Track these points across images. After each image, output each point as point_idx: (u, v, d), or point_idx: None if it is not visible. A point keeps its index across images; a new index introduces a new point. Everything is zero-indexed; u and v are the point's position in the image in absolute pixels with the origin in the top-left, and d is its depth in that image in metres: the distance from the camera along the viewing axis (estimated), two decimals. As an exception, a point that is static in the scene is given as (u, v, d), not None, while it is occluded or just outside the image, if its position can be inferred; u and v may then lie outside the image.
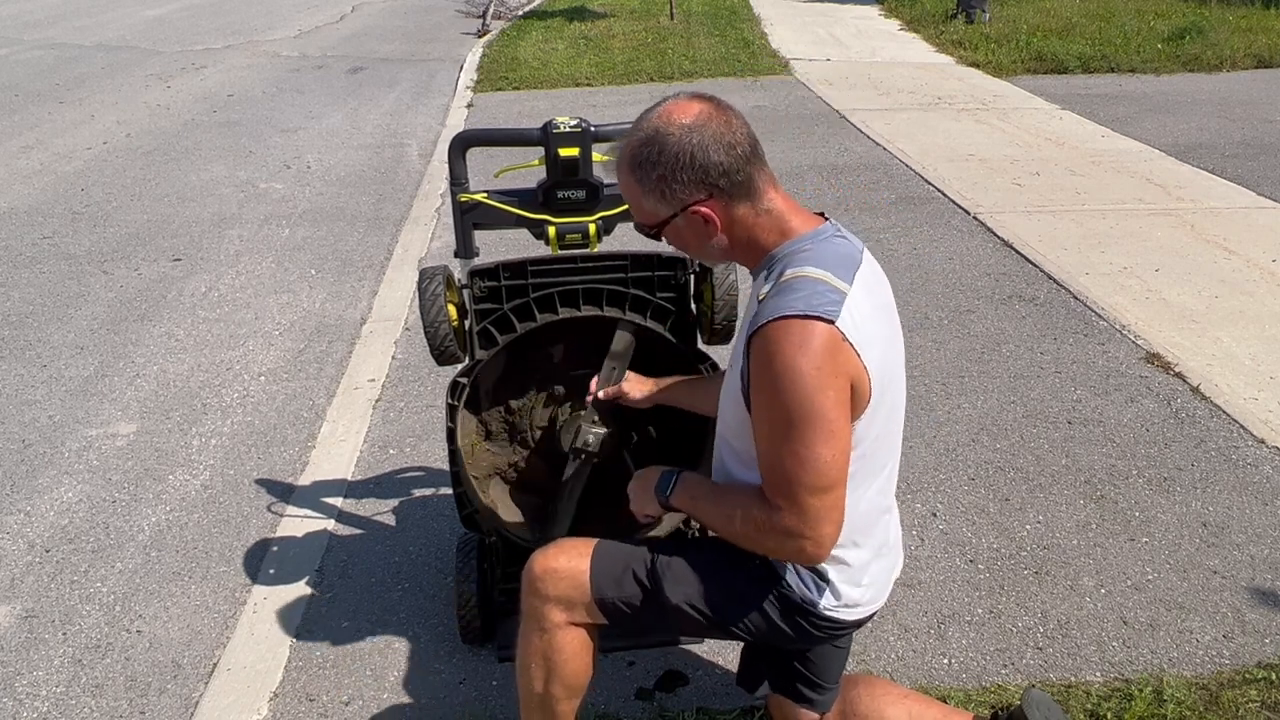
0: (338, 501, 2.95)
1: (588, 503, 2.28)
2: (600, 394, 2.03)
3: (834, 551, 1.58)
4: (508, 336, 2.13)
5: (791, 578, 1.61)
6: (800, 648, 1.72)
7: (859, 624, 1.68)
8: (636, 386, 2.03)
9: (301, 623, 2.47)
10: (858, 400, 1.47)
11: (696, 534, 2.34)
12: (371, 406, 3.47)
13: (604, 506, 2.31)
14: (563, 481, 2.07)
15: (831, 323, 1.42)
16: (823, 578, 1.60)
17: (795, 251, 1.52)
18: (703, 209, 1.51)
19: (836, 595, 1.61)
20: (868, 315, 1.48)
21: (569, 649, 1.67)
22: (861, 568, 1.61)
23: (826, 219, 1.59)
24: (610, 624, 1.68)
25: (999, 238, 4.84)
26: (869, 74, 8.70)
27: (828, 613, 1.61)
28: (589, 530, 2.26)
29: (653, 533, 2.23)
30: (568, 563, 1.66)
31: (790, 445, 1.44)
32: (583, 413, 2.07)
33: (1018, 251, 4.66)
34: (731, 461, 1.64)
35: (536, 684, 1.71)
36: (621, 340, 2.07)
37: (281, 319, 4.24)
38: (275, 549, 2.77)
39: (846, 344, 1.43)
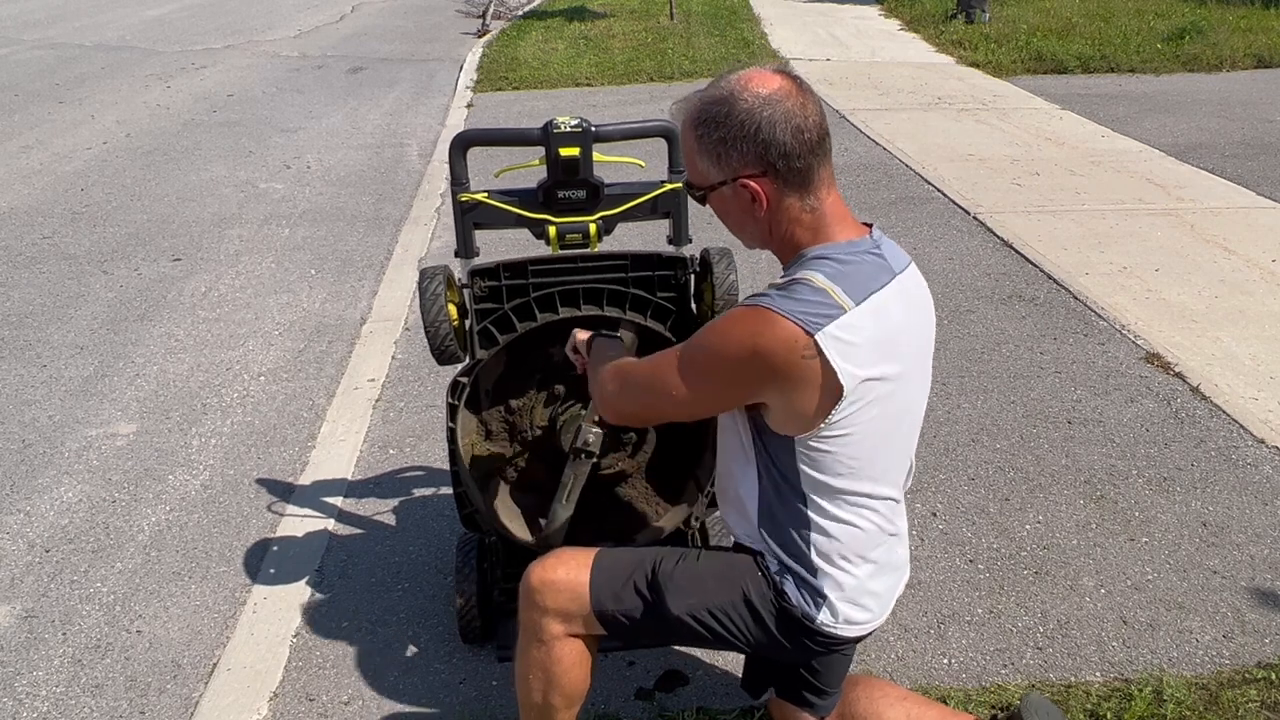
0: (338, 501, 2.95)
1: (587, 505, 2.28)
2: None
3: (830, 568, 1.58)
4: (508, 336, 2.13)
5: (790, 590, 1.60)
6: (799, 661, 1.72)
7: (860, 639, 1.68)
8: None
9: (301, 623, 2.47)
10: (798, 410, 1.46)
11: (697, 538, 2.35)
12: (371, 406, 3.47)
13: (603, 509, 2.31)
14: (562, 482, 2.07)
15: (809, 333, 1.40)
16: (819, 594, 1.59)
17: (820, 258, 1.49)
18: (753, 184, 1.48)
19: (834, 614, 1.59)
20: (868, 338, 1.45)
21: (568, 660, 1.67)
22: (860, 587, 1.60)
23: (871, 231, 1.56)
24: (609, 634, 1.67)
25: (999, 238, 4.84)
26: (869, 74, 8.70)
27: (826, 629, 1.60)
28: (588, 533, 2.26)
29: (652, 536, 2.23)
30: (566, 575, 1.64)
31: (668, 358, 1.55)
32: (583, 412, 2.07)
33: (1018, 251, 4.67)
34: (732, 456, 1.64)
35: (536, 695, 1.71)
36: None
37: (281, 319, 4.24)
38: (275, 549, 2.77)
39: (812, 358, 1.41)
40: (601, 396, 1.67)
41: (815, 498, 1.55)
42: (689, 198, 1.60)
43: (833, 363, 1.41)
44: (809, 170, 1.47)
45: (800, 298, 1.43)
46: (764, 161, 1.46)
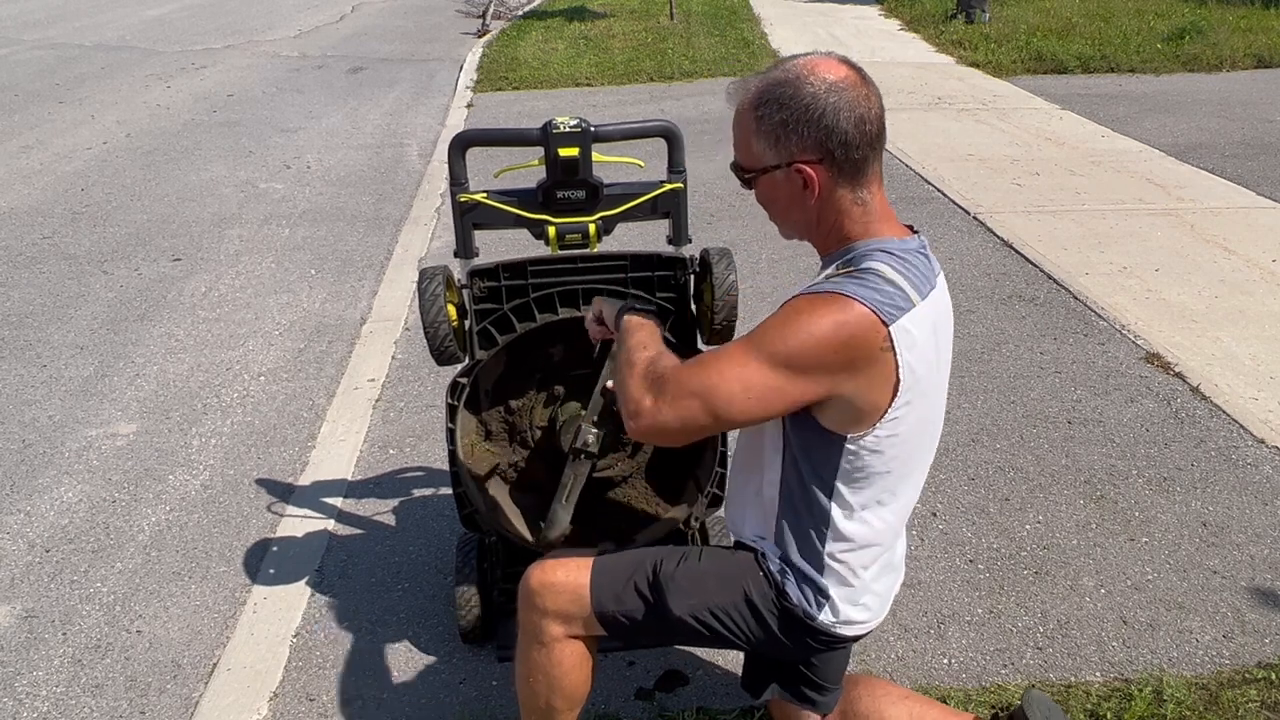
0: (338, 501, 2.95)
1: (587, 505, 2.28)
2: (610, 384, 2.02)
3: (839, 567, 1.58)
4: (507, 336, 2.13)
5: (791, 589, 1.60)
6: (799, 659, 1.72)
7: (859, 638, 1.68)
8: None
9: (301, 623, 2.47)
10: (868, 405, 1.44)
11: (697, 538, 2.35)
12: (371, 406, 3.47)
13: (603, 509, 2.31)
14: (561, 482, 2.07)
15: (885, 324, 1.39)
16: (822, 593, 1.59)
17: (881, 250, 1.47)
18: (809, 169, 1.45)
19: (835, 612, 1.60)
20: (926, 335, 1.45)
21: (568, 662, 1.67)
22: (864, 586, 1.60)
23: (917, 233, 1.55)
24: (610, 636, 1.67)
25: (999, 238, 4.84)
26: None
27: (827, 627, 1.60)
28: (587, 533, 2.26)
29: (652, 536, 2.23)
30: (566, 576, 1.64)
31: (731, 353, 1.41)
32: (583, 412, 2.06)
33: (1018, 251, 4.67)
34: (756, 449, 1.63)
35: (537, 697, 1.71)
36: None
37: (281, 319, 4.24)
38: (275, 549, 2.77)
39: (888, 349, 1.40)
40: (636, 407, 1.44)
41: (846, 496, 1.53)
42: (736, 179, 1.54)
43: (900, 357, 1.41)
44: (865, 162, 1.46)
45: (877, 287, 1.41)
46: (823, 148, 1.44)
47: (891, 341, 1.40)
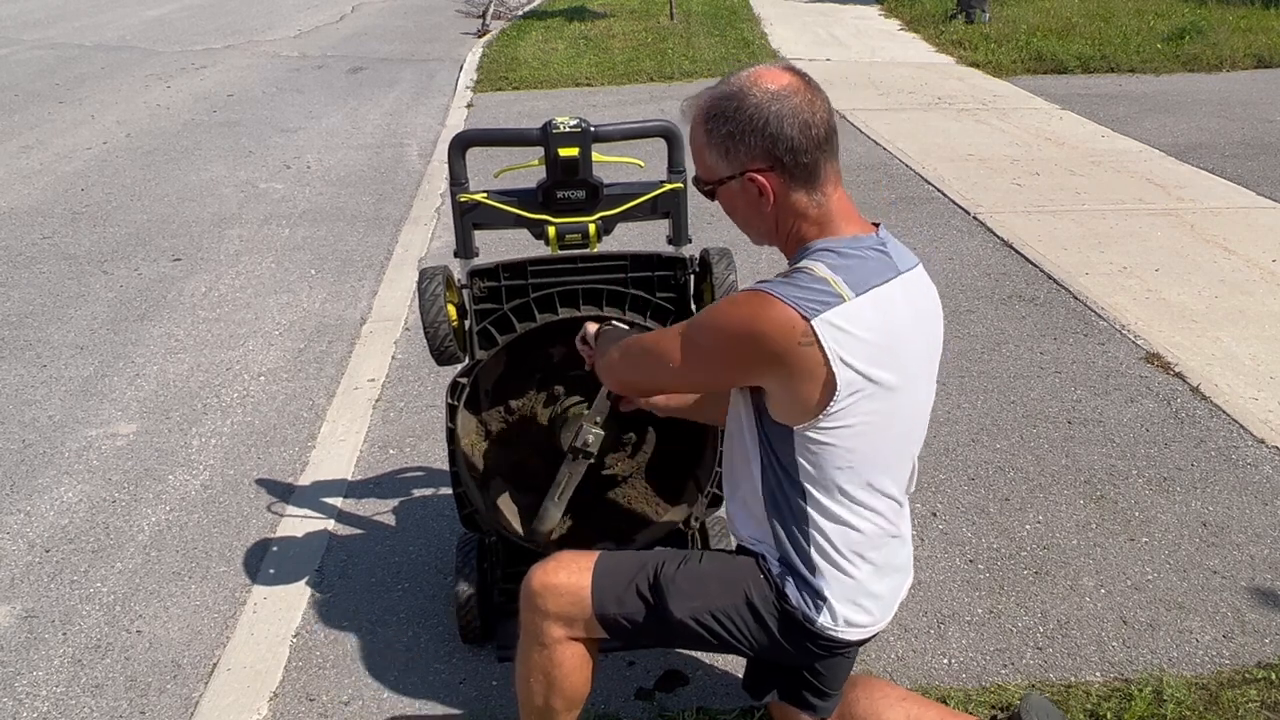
0: (338, 501, 2.95)
1: (587, 505, 2.28)
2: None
3: (829, 567, 1.58)
4: (507, 336, 2.13)
5: (791, 591, 1.60)
6: (801, 664, 1.72)
7: (862, 642, 1.67)
8: None
9: (301, 623, 2.47)
10: (800, 397, 1.46)
11: (697, 538, 2.35)
12: (371, 406, 3.47)
13: (603, 509, 2.31)
14: (556, 480, 2.07)
15: (806, 318, 1.42)
16: (819, 595, 1.58)
17: (823, 249, 1.50)
18: (760, 178, 1.50)
19: (834, 616, 1.59)
20: (867, 329, 1.45)
21: (569, 664, 1.67)
22: (860, 588, 1.60)
23: (878, 230, 1.57)
24: (611, 637, 1.67)
25: (999, 238, 4.84)
26: (869, 74, 8.70)
27: (827, 631, 1.60)
28: (587, 533, 2.26)
29: (652, 536, 2.23)
30: (567, 579, 1.64)
31: (674, 328, 1.59)
32: (585, 412, 2.07)
33: (1018, 251, 4.67)
34: (738, 446, 1.64)
35: (537, 698, 1.71)
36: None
37: (281, 319, 4.24)
38: (275, 549, 2.77)
39: (809, 344, 1.42)
40: (606, 364, 1.72)
41: (814, 493, 1.55)
42: (699, 193, 1.61)
43: (828, 350, 1.42)
44: (816, 165, 1.49)
45: (799, 284, 1.45)
46: (771, 156, 1.48)
47: (816, 336, 1.42)
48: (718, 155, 1.52)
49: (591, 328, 1.89)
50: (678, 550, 1.72)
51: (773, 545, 1.62)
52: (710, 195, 1.59)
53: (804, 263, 1.49)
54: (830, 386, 1.45)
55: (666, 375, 1.60)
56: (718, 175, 1.54)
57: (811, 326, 1.41)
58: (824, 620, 1.59)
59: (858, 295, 1.45)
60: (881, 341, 1.48)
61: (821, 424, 1.48)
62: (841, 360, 1.43)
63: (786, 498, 1.57)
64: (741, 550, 1.69)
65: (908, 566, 1.71)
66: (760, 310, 1.44)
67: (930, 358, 1.61)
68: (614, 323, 1.92)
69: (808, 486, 1.55)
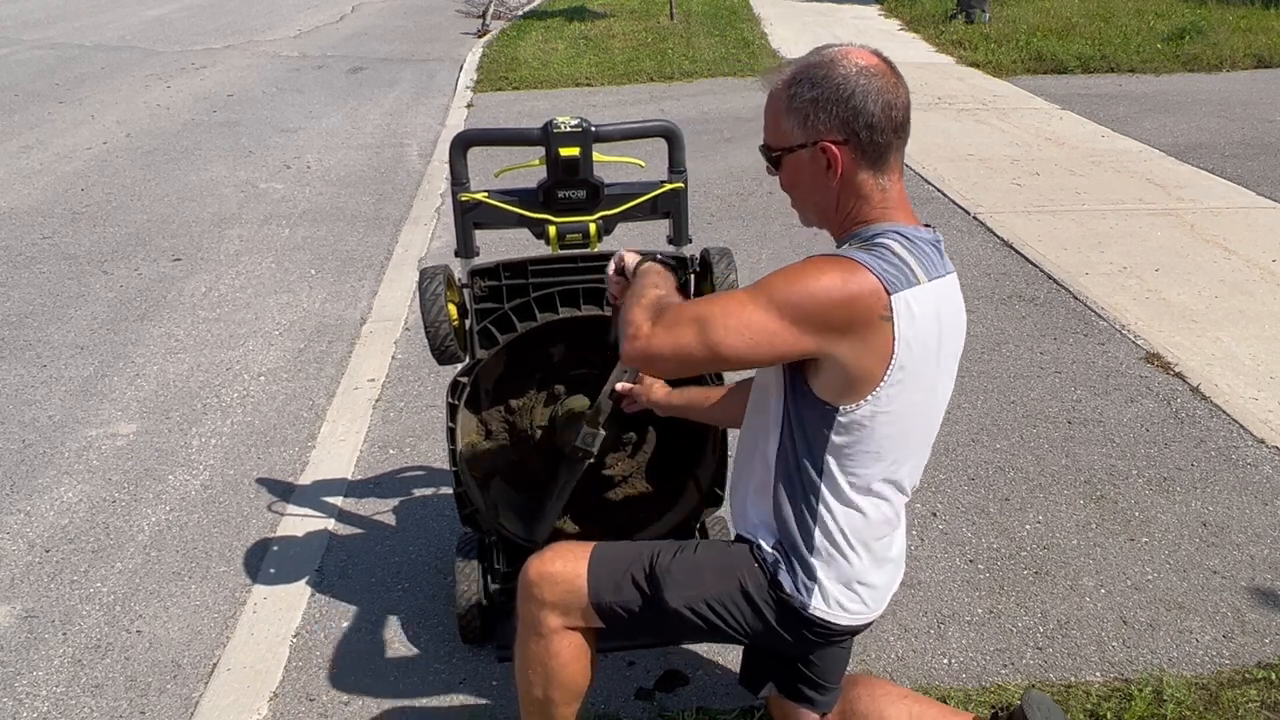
0: (338, 501, 2.95)
1: (587, 505, 2.28)
2: (617, 387, 2.02)
3: (829, 548, 1.58)
4: (508, 336, 2.13)
5: (785, 578, 1.60)
6: (796, 653, 1.72)
7: (856, 630, 1.68)
8: (657, 388, 2.03)
9: (301, 623, 2.47)
10: (860, 372, 1.47)
11: (696, 538, 2.35)
12: (371, 406, 3.47)
13: (604, 508, 2.31)
14: (555, 479, 2.07)
15: (889, 292, 1.42)
16: (811, 574, 1.59)
17: (895, 233, 1.51)
18: (834, 148, 1.50)
19: (826, 599, 1.60)
20: (927, 318, 1.48)
21: (566, 654, 1.67)
22: (854, 574, 1.61)
23: (931, 228, 1.59)
24: (608, 628, 1.67)
25: (999, 238, 4.84)
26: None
27: (820, 615, 1.60)
28: (587, 532, 2.26)
29: (652, 536, 2.23)
30: (564, 568, 1.65)
31: (734, 294, 1.47)
32: (587, 412, 2.06)
33: (1018, 251, 4.67)
34: (760, 416, 1.64)
35: (536, 689, 1.71)
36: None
37: (281, 319, 4.24)
38: (275, 549, 2.77)
39: (887, 319, 1.43)
40: (633, 328, 1.48)
41: (835, 473, 1.56)
42: (765, 161, 1.59)
43: (897, 329, 1.44)
44: (887, 148, 1.51)
45: (885, 259, 1.46)
46: (849, 128, 1.49)
47: (892, 311, 1.43)
48: (796, 121, 1.52)
49: (630, 259, 1.74)
50: (674, 541, 1.73)
51: (774, 525, 1.62)
52: (775, 164, 1.58)
53: (881, 240, 1.49)
54: (887, 366, 1.46)
55: (726, 345, 1.42)
56: (790, 141, 1.54)
57: (891, 301, 1.43)
58: (816, 603, 1.60)
59: (929, 281, 1.48)
60: (935, 331, 1.51)
61: (866, 406, 1.49)
62: (906, 340, 1.45)
63: (803, 475, 1.58)
64: (739, 539, 1.69)
65: (901, 559, 1.73)
66: (853, 274, 1.43)
67: (955, 360, 1.63)
68: (659, 257, 1.74)
69: (830, 464, 1.55)
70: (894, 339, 1.44)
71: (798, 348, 1.45)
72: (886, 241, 1.48)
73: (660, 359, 1.47)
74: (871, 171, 1.52)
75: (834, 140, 1.50)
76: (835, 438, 1.53)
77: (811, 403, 1.53)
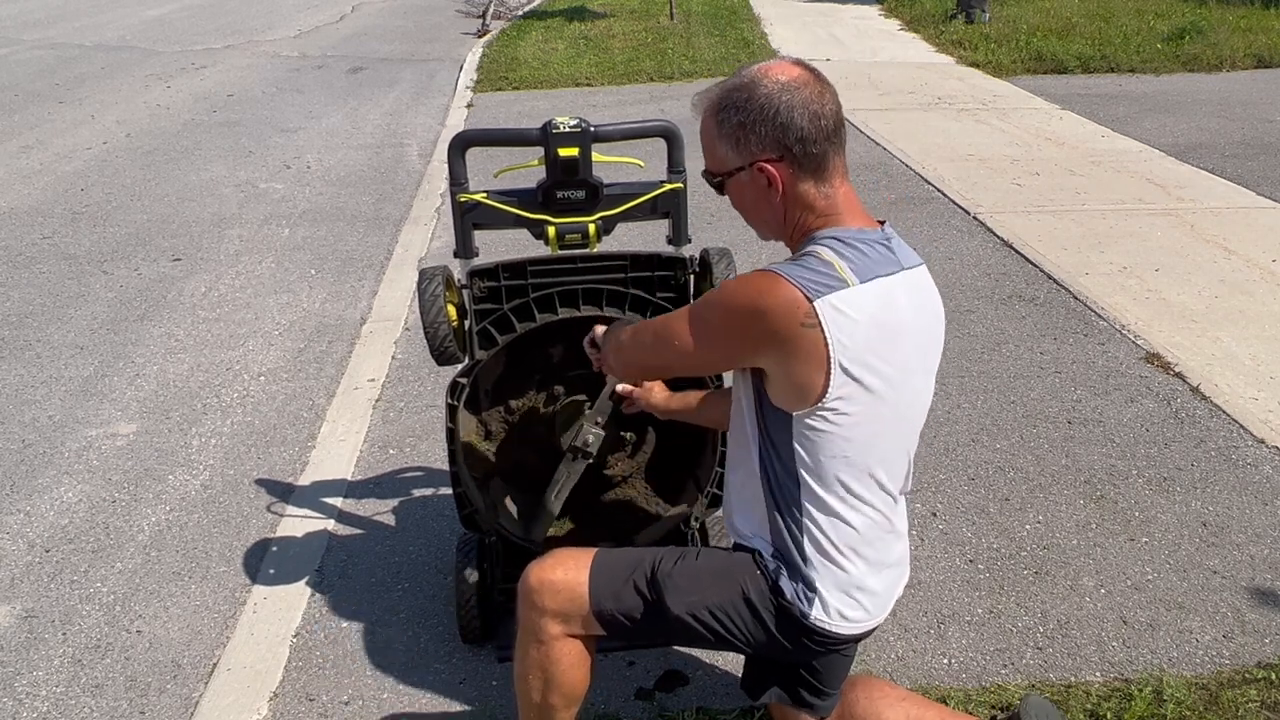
0: (338, 501, 2.95)
1: (587, 505, 2.28)
2: (618, 388, 2.02)
3: (822, 559, 1.58)
4: (507, 336, 2.13)
5: (786, 585, 1.60)
6: (798, 661, 1.72)
7: (858, 638, 1.67)
8: (657, 390, 2.03)
9: (301, 623, 2.47)
10: (801, 380, 1.47)
11: (697, 538, 2.35)
12: (371, 406, 3.47)
13: (603, 509, 2.31)
14: (554, 478, 2.07)
15: (809, 299, 1.43)
16: (810, 586, 1.59)
17: (830, 237, 1.52)
18: (770, 168, 1.52)
19: (826, 609, 1.59)
20: (869, 319, 1.46)
21: (566, 660, 1.67)
22: (853, 582, 1.60)
23: (884, 226, 1.58)
24: (609, 634, 1.67)
25: (999, 237, 4.84)
26: (869, 74, 8.70)
27: (821, 625, 1.60)
28: (587, 533, 2.26)
29: (652, 536, 2.23)
30: (564, 575, 1.64)
31: (681, 310, 1.61)
32: (587, 412, 2.07)
33: (1018, 251, 4.67)
34: (739, 433, 1.65)
35: (535, 694, 1.71)
36: None
37: (281, 319, 4.24)
38: (275, 549, 2.77)
39: (811, 326, 1.43)
40: (614, 348, 1.75)
41: (810, 482, 1.55)
42: (709, 186, 1.63)
43: (828, 333, 1.44)
44: (824, 156, 1.52)
45: (807, 266, 1.47)
46: (781, 146, 1.50)
47: (818, 317, 1.43)
48: (728, 146, 1.54)
49: (599, 329, 1.89)
50: (675, 547, 1.72)
51: (768, 537, 1.62)
52: (719, 188, 1.61)
53: (811, 247, 1.51)
54: (828, 372, 1.46)
55: (673, 354, 1.60)
56: (728, 166, 1.56)
57: (814, 307, 1.43)
58: (817, 613, 1.59)
59: (861, 283, 1.47)
60: (880, 332, 1.49)
61: (819, 411, 1.49)
62: (842, 345, 1.45)
63: (783, 487, 1.58)
64: (738, 548, 1.69)
65: (904, 563, 1.71)
66: (767, 288, 1.45)
67: (929, 356, 1.61)
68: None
69: (804, 475, 1.55)
70: (827, 344, 1.44)
71: (726, 360, 1.60)
72: (814, 249, 1.50)
73: (634, 369, 1.78)
74: (813, 181, 1.53)
75: (769, 159, 1.52)
76: (799, 446, 1.53)
77: (772, 411, 1.55)
